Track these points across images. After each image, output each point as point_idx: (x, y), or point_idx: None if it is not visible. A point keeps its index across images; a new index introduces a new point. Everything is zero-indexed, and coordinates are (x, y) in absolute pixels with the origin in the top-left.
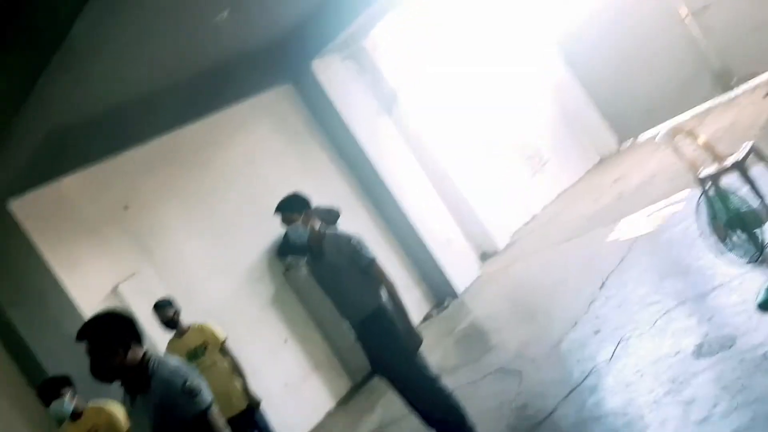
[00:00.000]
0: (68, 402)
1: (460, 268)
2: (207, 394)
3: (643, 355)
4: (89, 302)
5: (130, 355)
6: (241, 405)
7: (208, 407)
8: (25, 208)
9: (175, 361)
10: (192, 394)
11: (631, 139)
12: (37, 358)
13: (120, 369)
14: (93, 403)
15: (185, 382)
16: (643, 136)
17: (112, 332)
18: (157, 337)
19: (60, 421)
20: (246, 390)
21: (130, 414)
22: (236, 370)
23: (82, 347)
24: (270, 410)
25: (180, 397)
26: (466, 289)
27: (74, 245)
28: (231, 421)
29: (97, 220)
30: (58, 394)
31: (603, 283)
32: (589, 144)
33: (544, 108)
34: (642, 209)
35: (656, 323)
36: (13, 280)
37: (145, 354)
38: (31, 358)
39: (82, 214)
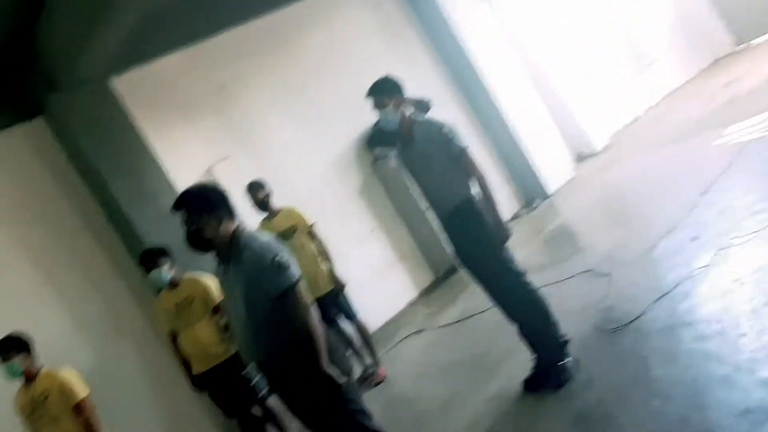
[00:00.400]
0: (166, 271)
1: (552, 168)
2: (295, 270)
3: (744, 264)
4: (185, 180)
5: (223, 226)
6: (327, 287)
7: (296, 283)
8: (125, 86)
9: (267, 237)
10: (281, 268)
11: (749, 40)
12: (137, 229)
13: (213, 240)
14: (189, 275)
15: (275, 256)
16: (762, 38)
17: (206, 203)
18: (248, 219)
19: (158, 289)
20: (331, 273)
21: (223, 284)
22: (323, 253)
23: (178, 219)
24: (354, 296)
25: (269, 271)
26: (558, 190)
27: (171, 124)
28: (316, 303)
29: (194, 101)
30: (156, 264)
31: (707, 189)
32: (702, 44)
33: (656, 4)
34: (755, 114)
35: (761, 231)
36: (116, 155)
37: (237, 227)
38: (131, 229)
39: (179, 95)
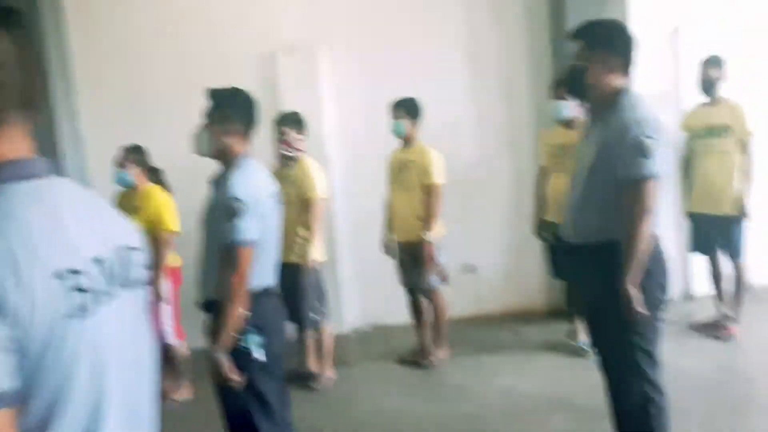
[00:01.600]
0: (570, 108)
1: None
2: (658, 165)
3: None
4: (641, 31)
5: (610, 78)
6: (726, 210)
7: (649, 177)
8: None
9: (651, 114)
10: (643, 153)
11: None
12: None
13: (593, 87)
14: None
15: (646, 136)
16: None
17: (607, 43)
18: (686, 96)
19: (553, 121)
20: (740, 198)
21: (581, 142)
22: (744, 172)
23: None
24: (752, 236)
25: (629, 149)
26: None
27: None
28: (701, 216)
29: None
30: (566, 96)
31: None
32: None
33: None
34: None
35: None
36: None
37: (625, 86)
38: (563, 52)
39: None
